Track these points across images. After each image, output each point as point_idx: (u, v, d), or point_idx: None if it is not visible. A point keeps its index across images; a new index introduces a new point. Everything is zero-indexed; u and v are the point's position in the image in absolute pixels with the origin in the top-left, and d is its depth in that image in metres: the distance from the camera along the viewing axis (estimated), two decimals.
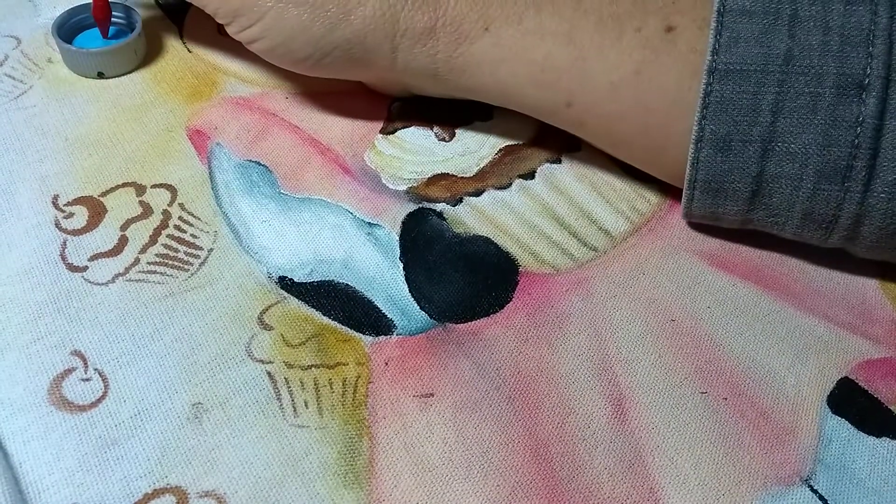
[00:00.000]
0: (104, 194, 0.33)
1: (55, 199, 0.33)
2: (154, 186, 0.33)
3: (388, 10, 0.31)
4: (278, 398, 0.28)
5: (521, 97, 0.32)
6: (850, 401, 0.29)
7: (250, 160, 0.35)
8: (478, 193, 0.34)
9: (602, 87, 0.30)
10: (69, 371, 0.28)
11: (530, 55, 0.31)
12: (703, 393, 0.29)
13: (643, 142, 0.31)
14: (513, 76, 0.32)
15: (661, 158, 0.32)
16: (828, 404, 0.29)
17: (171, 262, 0.31)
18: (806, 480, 0.27)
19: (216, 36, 0.40)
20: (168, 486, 0.25)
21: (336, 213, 0.33)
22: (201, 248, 0.32)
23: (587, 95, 0.31)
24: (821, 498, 0.26)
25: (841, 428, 0.28)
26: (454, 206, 0.34)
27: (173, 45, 0.40)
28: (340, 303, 0.30)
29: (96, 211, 0.32)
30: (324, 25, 0.31)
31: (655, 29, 0.30)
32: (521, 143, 0.36)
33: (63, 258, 0.31)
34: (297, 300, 0.30)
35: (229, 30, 0.33)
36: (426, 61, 0.32)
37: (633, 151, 0.33)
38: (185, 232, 0.32)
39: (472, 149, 0.36)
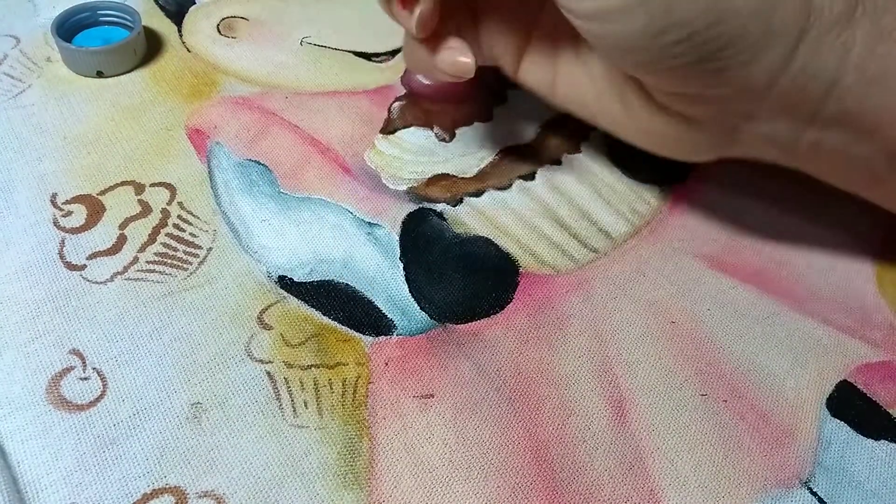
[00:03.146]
0: (103, 193, 0.33)
1: (54, 197, 0.32)
2: (153, 185, 0.33)
3: None
4: (278, 398, 0.27)
5: None
6: (849, 404, 0.29)
7: (250, 159, 0.35)
8: (478, 194, 0.34)
9: None
10: (67, 370, 0.27)
11: None
12: (703, 395, 0.29)
13: None
14: None
15: None
16: (827, 407, 0.29)
17: (169, 261, 0.31)
18: (805, 483, 0.27)
19: (216, 35, 0.40)
20: (167, 487, 0.25)
21: (336, 212, 0.33)
22: (200, 247, 0.31)
23: None
24: (820, 500, 0.26)
25: (840, 431, 0.28)
26: (454, 206, 0.34)
27: (173, 45, 0.40)
28: (340, 303, 0.30)
29: (95, 209, 0.32)
30: None
31: None
32: (521, 144, 0.36)
33: (61, 257, 0.31)
34: (296, 300, 0.30)
35: None
36: (834, 61, 0.23)
37: None
38: (184, 231, 0.32)
39: (473, 149, 0.36)
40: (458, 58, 0.28)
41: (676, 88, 0.26)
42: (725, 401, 0.29)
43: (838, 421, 0.28)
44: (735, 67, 0.24)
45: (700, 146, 0.28)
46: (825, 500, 0.26)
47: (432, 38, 0.29)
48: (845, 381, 0.30)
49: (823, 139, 0.26)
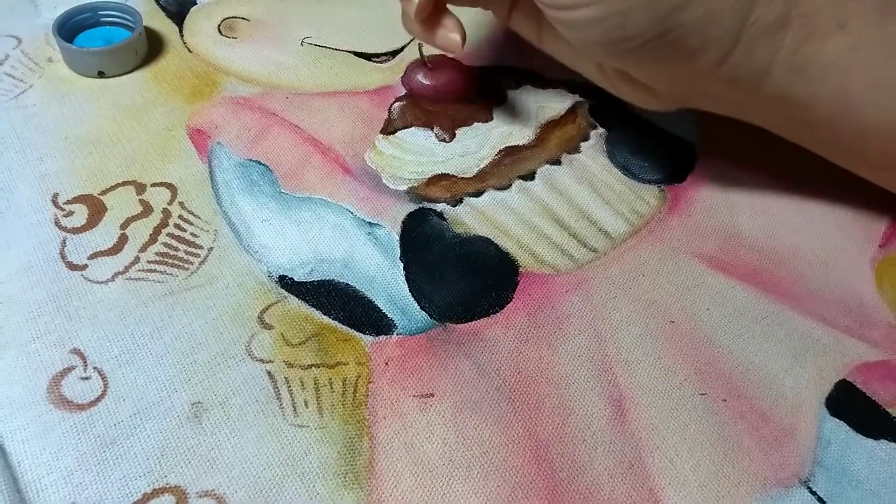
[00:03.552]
0: (104, 193, 0.33)
1: (55, 197, 0.33)
2: (154, 185, 0.33)
3: None
4: (278, 398, 0.27)
5: (861, 112, 0.28)
6: (848, 403, 0.29)
7: (251, 159, 0.35)
8: (478, 194, 0.34)
9: None
10: (68, 370, 0.28)
11: (893, 62, 0.26)
12: (702, 394, 0.29)
13: None
14: (862, 85, 0.27)
15: None
16: (826, 406, 0.29)
17: (170, 261, 0.31)
18: (805, 482, 0.27)
19: (217, 36, 0.40)
20: (167, 486, 0.25)
21: (336, 212, 0.33)
22: (201, 247, 0.31)
23: None
24: (819, 500, 0.26)
25: (839, 430, 0.28)
26: (454, 206, 0.34)
27: (174, 45, 0.40)
28: (341, 302, 0.30)
29: (96, 209, 0.32)
30: (674, 2, 0.26)
31: None
32: (521, 144, 0.36)
33: (63, 256, 0.31)
34: (297, 299, 0.30)
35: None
36: (764, 59, 0.27)
37: None
38: (185, 231, 0.32)
39: (473, 149, 0.36)
40: (449, 34, 0.32)
41: (634, 73, 0.30)
42: (725, 400, 0.29)
43: (837, 420, 0.28)
44: (679, 63, 0.28)
45: (665, 105, 0.32)
46: (824, 499, 0.26)
47: (428, 19, 0.33)
48: (844, 380, 0.30)
49: (769, 110, 0.30)
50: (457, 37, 0.32)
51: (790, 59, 0.27)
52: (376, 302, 0.30)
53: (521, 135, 0.37)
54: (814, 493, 0.27)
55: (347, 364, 0.29)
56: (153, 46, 0.39)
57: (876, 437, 0.28)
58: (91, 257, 0.31)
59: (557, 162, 0.36)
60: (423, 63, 0.37)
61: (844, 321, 0.31)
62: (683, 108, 0.32)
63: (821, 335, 0.31)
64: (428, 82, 0.37)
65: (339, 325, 0.30)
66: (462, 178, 0.35)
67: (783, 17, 0.27)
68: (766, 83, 0.28)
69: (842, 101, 0.28)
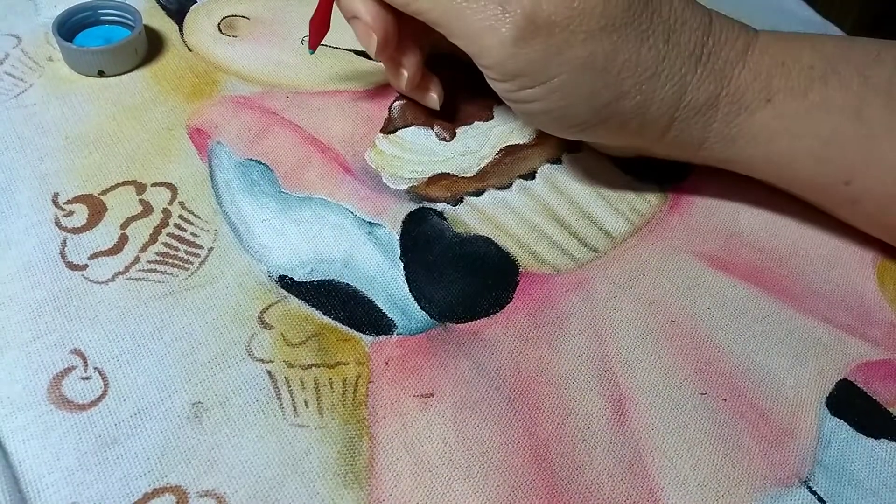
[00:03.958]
0: (104, 193, 0.33)
1: (55, 197, 0.33)
2: (154, 185, 0.33)
3: (679, 80, 0.30)
4: (278, 397, 0.28)
5: (794, 171, 0.31)
6: (849, 402, 0.29)
7: (251, 159, 0.35)
8: (478, 193, 0.34)
9: (890, 168, 0.29)
10: (69, 370, 0.28)
11: (814, 129, 0.30)
12: (702, 394, 0.29)
13: None
14: (790, 150, 0.30)
15: None
16: (827, 406, 0.29)
17: (171, 261, 0.31)
18: (805, 482, 0.27)
19: (217, 34, 0.40)
20: (168, 486, 0.25)
21: (336, 212, 0.33)
22: (201, 247, 0.31)
23: (871, 175, 0.29)
24: (819, 499, 0.26)
25: (840, 429, 0.28)
26: (455, 205, 0.34)
27: (174, 44, 0.40)
28: (341, 302, 0.30)
29: (96, 209, 0.32)
30: (613, 94, 0.29)
31: None
32: (521, 143, 0.36)
33: (63, 256, 0.31)
34: (297, 299, 0.30)
35: (498, 86, 0.31)
36: (699, 133, 0.31)
37: None
38: (185, 230, 0.32)
39: (473, 149, 0.36)
40: (432, 95, 0.36)
41: (585, 140, 0.35)
42: (725, 399, 0.29)
43: (838, 419, 0.28)
44: (624, 136, 0.32)
45: (621, 153, 0.36)
46: (825, 499, 0.26)
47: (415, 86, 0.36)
48: (845, 379, 0.30)
49: (706, 163, 0.33)
50: (435, 97, 0.36)
51: (723, 130, 0.31)
52: (376, 302, 0.30)
53: (521, 134, 0.37)
54: (814, 493, 0.27)
55: (347, 364, 0.29)
56: (153, 45, 0.39)
57: (877, 437, 0.28)
58: (91, 257, 0.31)
59: (558, 161, 0.36)
60: None
61: (846, 320, 0.31)
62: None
63: (822, 334, 0.31)
64: None
65: (340, 325, 0.30)
66: (462, 177, 0.35)
67: (713, 97, 0.30)
68: (703, 150, 0.32)
69: (773, 162, 0.31)
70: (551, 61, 0.29)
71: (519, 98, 0.31)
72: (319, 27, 0.35)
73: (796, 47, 0.30)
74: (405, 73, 0.35)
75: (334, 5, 0.34)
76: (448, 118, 0.37)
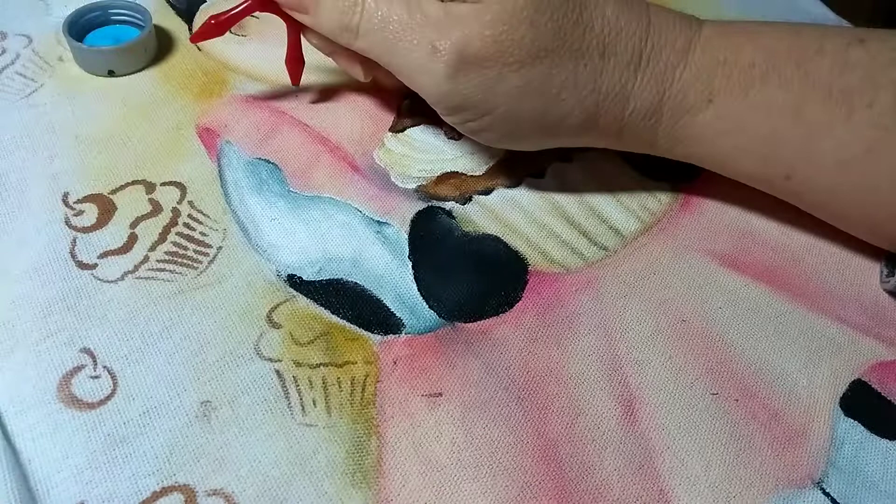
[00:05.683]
0: (114, 192, 0.33)
1: (65, 196, 0.33)
2: (164, 184, 0.33)
3: (620, 90, 0.30)
4: (286, 397, 0.27)
5: (737, 167, 0.32)
6: (863, 403, 0.29)
7: (260, 158, 0.35)
8: (487, 192, 0.34)
9: (828, 165, 0.29)
10: (78, 368, 0.28)
11: (755, 129, 0.30)
12: (714, 394, 0.28)
13: (863, 214, 0.31)
14: (733, 148, 0.31)
15: (884, 230, 0.31)
16: (840, 406, 0.28)
17: (180, 260, 0.31)
18: (818, 483, 0.27)
19: (227, 34, 0.40)
20: (176, 485, 0.25)
21: (345, 211, 0.33)
22: (210, 246, 0.31)
23: (811, 171, 0.30)
24: (833, 501, 0.26)
25: (854, 430, 0.28)
26: (463, 204, 0.34)
27: (183, 44, 0.40)
28: (349, 301, 0.30)
29: (106, 209, 0.32)
30: (556, 115, 0.30)
31: (888, 105, 0.28)
32: None
33: (73, 256, 0.31)
34: (305, 298, 0.30)
35: (446, 119, 0.32)
36: (648, 135, 0.32)
37: (851, 222, 0.32)
38: (194, 230, 0.32)
39: (482, 147, 0.36)
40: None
41: (556, 146, 0.34)
42: (737, 400, 0.28)
43: (852, 420, 0.28)
44: (587, 141, 0.32)
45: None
46: (838, 500, 0.26)
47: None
48: (859, 379, 0.29)
49: (664, 156, 0.33)
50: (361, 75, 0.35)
51: (669, 132, 0.31)
52: (385, 301, 0.30)
53: None
54: (827, 495, 0.26)
55: (356, 363, 0.28)
56: (163, 45, 0.39)
57: (891, 438, 0.28)
58: (101, 256, 0.31)
59: (568, 159, 0.36)
60: None
61: (860, 320, 0.31)
62: None
63: (835, 334, 0.30)
64: None
65: (348, 325, 0.30)
66: (471, 175, 0.35)
67: (657, 102, 0.31)
68: (656, 148, 0.33)
69: (717, 159, 0.32)
70: (488, 94, 0.29)
71: (468, 129, 0.32)
72: (295, 65, 0.36)
73: (738, 43, 0.30)
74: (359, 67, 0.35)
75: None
76: None
